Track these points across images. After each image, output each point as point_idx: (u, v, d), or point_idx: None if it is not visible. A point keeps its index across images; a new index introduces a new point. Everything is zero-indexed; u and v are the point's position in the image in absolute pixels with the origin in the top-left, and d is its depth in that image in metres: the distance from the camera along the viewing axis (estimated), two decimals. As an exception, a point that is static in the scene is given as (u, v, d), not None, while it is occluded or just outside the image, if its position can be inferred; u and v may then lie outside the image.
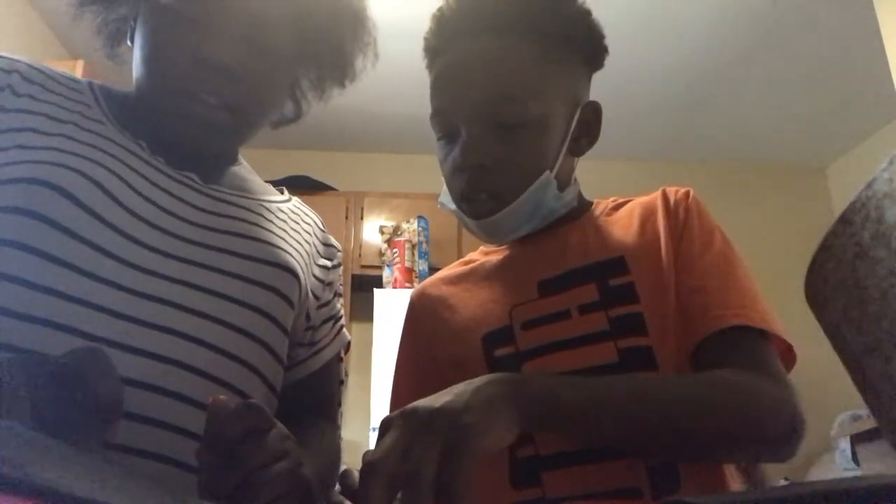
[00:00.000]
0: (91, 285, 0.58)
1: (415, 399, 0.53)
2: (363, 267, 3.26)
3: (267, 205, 0.80)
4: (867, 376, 0.32)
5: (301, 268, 0.76)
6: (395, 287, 3.05)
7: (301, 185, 3.45)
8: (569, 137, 0.74)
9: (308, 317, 0.80)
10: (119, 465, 0.55)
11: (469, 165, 0.70)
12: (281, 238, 0.76)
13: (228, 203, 0.73)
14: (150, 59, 0.68)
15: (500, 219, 0.72)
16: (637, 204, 0.82)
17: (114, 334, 0.58)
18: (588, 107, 0.78)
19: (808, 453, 3.51)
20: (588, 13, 0.75)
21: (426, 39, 0.76)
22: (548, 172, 0.72)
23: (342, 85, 0.85)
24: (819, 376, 3.43)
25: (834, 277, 0.32)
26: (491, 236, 0.76)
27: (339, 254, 0.89)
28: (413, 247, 3.19)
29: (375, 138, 3.73)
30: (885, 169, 0.29)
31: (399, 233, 3.25)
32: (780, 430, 0.62)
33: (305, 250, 0.80)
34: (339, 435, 0.83)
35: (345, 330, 0.88)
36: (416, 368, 0.82)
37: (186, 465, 0.58)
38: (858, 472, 3.08)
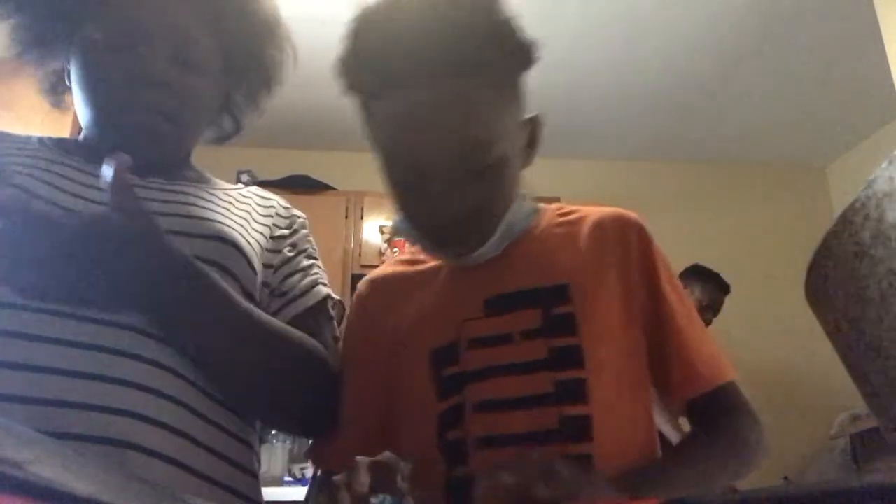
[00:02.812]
0: None
1: (371, 388, 0.71)
2: (363, 266, 3.26)
3: (210, 189, 0.83)
4: (867, 376, 0.32)
5: (246, 239, 0.78)
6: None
7: (301, 185, 3.45)
8: (523, 156, 0.75)
9: (266, 283, 0.81)
10: (119, 465, 0.56)
11: (449, 214, 0.68)
12: (220, 214, 0.78)
13: (165, 190, 0.77)
14: (89, 90, 0.74)
15: (480, 253, 0.73)
16: (588, 221, 0.80)
17: (49, 304, 0.61)
18: (532, 122, 0.76)
19: (808, 453, 3.52)
20: (517, 27, 0.69)
21: (352, 75, 0.71)
22: (518, 199, 0.74)
23: (270, 88, 0.90)
24: (819, 376, 3.44)
25: (834, 277, 0.32)
26: (464, 263, 0.76)
27: (300, 219, 0.90)
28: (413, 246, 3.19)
29: (375, 138, 3.72)
30: (885, 168, 0.29)
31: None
32: (757, 463, 0.75)
33: (257, 226, 0.83)
34: (317, 346, 0.79)
35: (323, 287, 0.85)
36: (365, 359, 0.81)
37: (135, 446, 0.59)
38: (858, 473, 3.09)
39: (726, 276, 3.37)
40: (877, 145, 3.82)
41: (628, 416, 0.72)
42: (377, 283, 0.85)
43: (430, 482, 0.67)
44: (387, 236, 3.27)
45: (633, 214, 0.80)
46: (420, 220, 0.72)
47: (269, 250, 0.83)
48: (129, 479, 0.47)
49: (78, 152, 0.77)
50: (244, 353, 0.69)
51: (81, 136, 0.81)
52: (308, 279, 0.84)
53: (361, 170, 4.04)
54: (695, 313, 0.79)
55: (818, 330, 0.36)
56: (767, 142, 3.95)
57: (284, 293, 0.82)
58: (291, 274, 0.83)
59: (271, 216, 0.87)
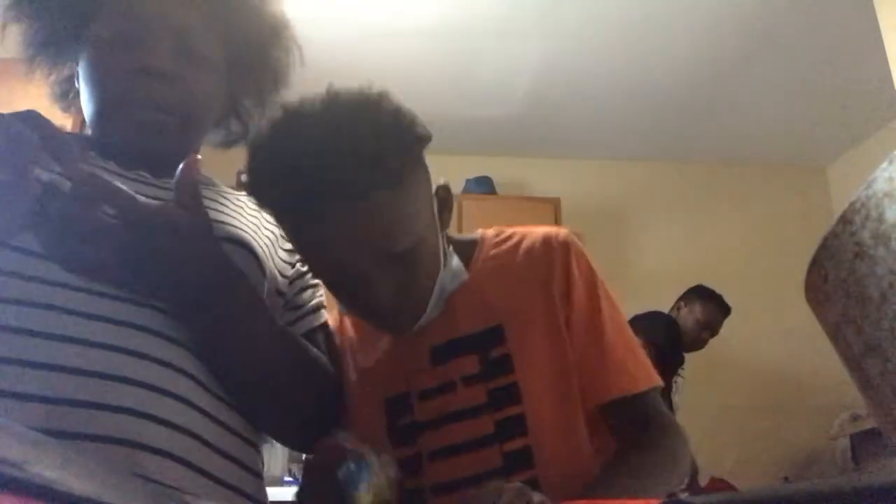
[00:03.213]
0: (37, 263, 0.62)
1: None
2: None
3: (222, 192, 0.84)
4: (867, 376, 0.32)
5: (259, 244, 0.79)
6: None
7: (301, 185, 3.45)
8: (439, 225, 0.78)
9: (280, 293, 0.82)
10: (129, 465, 0.56)
11: (379, 302, 0.72)
12: (233, 218, 0.79)
13: None
14: (94, 85, 0.75)
15: (420, 324, 0.76)
16: (520, 250, 0.83)
17: (72, 304, 0.61)
18: (440, 191, 0.79)
19: (808, 453, 3.52)
20: (404, 117, 0.72)
21: (262, 198, 0.74)
22: (443, 268, 0.77)
23: (277, 91, 0.90)
24: (819, 376, 3.43)
25: (834, 277, 0.32)
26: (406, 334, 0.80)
27: None
28: (413, 247, 3.19)
29: (375, 138, 3.71)
30: (885, 168, 0.29)
31: (399, 233, 3.25)
32: (687, 472, 0.78)
33: (267, 233, 0.84)
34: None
35: (325, 311, 0.89)
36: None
37: (144, 446, 0.59)
38: (858, 472, 3.08)
39: (726, 276, 3.38)
40: (877, 145, 3.82)
41: (566, 438, 0.76)
42: (343, 323, 0.89)
43: None
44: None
45: (559, 233, 0.83)
46: (357, 311, 0.78)
47: (280, 258, 0.84)
48: (128, 479, 0.47)
49: (90, 148, 0.77)
50: (269, 361, 0.71)
51: (87, 133, 0.81)
52: (316, 300, 0.87)
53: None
54: (619, 323, 0.81)
55: (818, 330, 0.36)
56: (767, 142, 3.95)
57: (297, 307, 0.84)
58: (304, 289, 0.86)
59: (275, 223, 0.87)
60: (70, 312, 0.60)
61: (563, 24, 2.93)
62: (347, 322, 0.88)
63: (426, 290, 0.75)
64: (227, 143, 0.93)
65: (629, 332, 0.82)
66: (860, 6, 2.71)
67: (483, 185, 3.68)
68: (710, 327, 3.03)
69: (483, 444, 0.73)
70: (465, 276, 0.80)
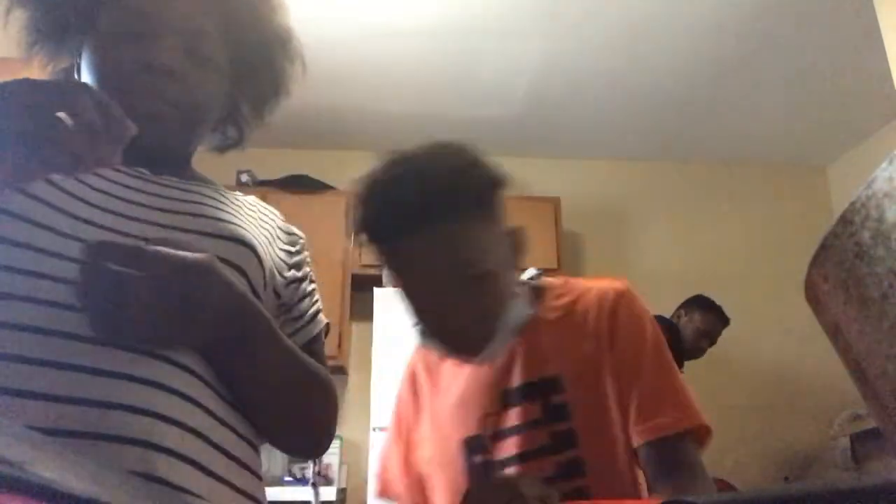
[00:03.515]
0: (46, 259, 0.63)
1: (400, 461, 1.00)
2: (363, 266, 3.26)
3: (221, 191, 0.85)
4: (867, 376, 0.32)
5: (259, 243, 0.79)
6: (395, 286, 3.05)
7: (301, 185, 3.46)
8: (512, 263, 0.91)
9: (277, 294, 0.82)
10: (142, 465, 0.56)
11: (460, 323, 0.85)
12: (232, 215, 0.80)
13: (179, 189, 0.78)
14: (99, 78, 0.76)
15: (486, 355, 0.88)
16: (578, 306, 0.95)
17: (68, 299, 0.61)
18: (516, 234, 0.93)
19: (808, 453, 3.52)
20: (483, 169, 0.89)
21: (371, 228, 0.89)
22: (511, 302, 0.89)
23: (276, 99, 0.92)
24: (819, 376, 3.43)
25: (834, 277, 0.32)
26: (477, 363, 0.92)
27: (302, 241, 0.92)
28: (413, 247, 3.19)
29: (375, 138, 3.72)
30: (885, 168, 0.29)
31: (399, 233, 3.25)
32: None
33: (265, 232, 0.84)
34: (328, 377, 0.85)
35: (322, 316, 0.91)
36: (403, 437, 1.04)
37: (156, 446, 0.59)
38: (858, 472, 3.08)
39: (726, 276, 3.38)
40: (877, 145, 3.82)
41: (616, 478, 0.87)
42: (427, 362, 1.04)
43: None
44: (387, 236, 3.27)
45: (614, 286, 0.95)
46: (433, 331, 0.89)
47: (278, 256, 0.85)
48: (127, 479, 0.48)
49: None
50: (282, 384, 0.74)
51: None
52: (314, 307, 0.89)
53: (361, 170, 4.05)
54: (664, 369, 0.91)
55: (818, 330, 0.36)
56: (767, 142, 3.95)
57: (296, 317, 0.85)
58: (302, 297, 0.87)
59: (273, 226, 0.88)
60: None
61: (563, 24, 2.93)
62: (428, 364, 1.03)
63: (496, 318, 0.87)
64: (223, 148, 0.93)
65: (674, 376, 0.91)
66: (860, 6, 2.71)
67: (483, 185, 3.68)
68: (710, 336, 3.08)
69: (547, 482, 0.81)
70: (529, 314, 0.92)
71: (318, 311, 0.89)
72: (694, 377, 3.04)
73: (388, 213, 0.85)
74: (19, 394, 0.55)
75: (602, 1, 2.78)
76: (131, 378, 0.59)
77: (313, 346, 0.85)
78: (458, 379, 0.97)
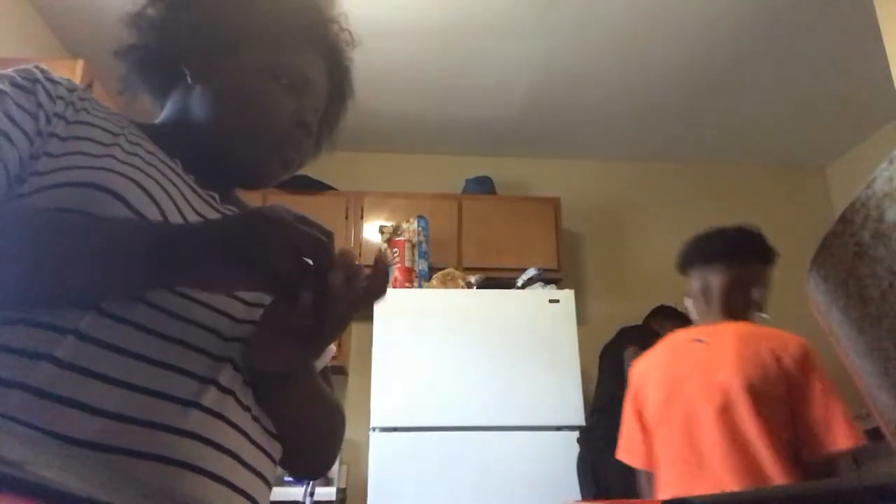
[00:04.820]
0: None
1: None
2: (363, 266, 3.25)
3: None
4: (867, 376, 0.32)
5: None
6: (394, 287, 3.05)
7: (301, 185, 3.46)
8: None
9: None
10: (178, 485, 0.56)
11: None
12: None
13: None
14: (251, 110, 0.78)
15: None
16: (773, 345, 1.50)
17: (146, 321, 0.63)
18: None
19: (808, 453, 3.52)
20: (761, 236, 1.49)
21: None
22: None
23: (331, 144, 1.00)
24: (819, 376, 3.41)
25: (834, 277, 0.32)
26: None
27: None
28: (413, 246, 3.19)
29: (375, 138, 3.73)
30: (885, 168, 0.29)
31: (399, 232, 3.25)
32: None
33: None
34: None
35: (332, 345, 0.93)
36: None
37: (194, 467, 0.60)
38: (858, 472, 3.08)
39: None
40: (877, 145, 3.82)
41: None
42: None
43: None
44: (387, 236, 3.28)
45: (797, 343, 1.50)
46: None
47: None
48: (126, 479, 0.47)
49: (172, 151, 0.77)
50: (314, 416, 0.78)
51: (204, 129, 0.79)
52: None
53: (361, 170, 4.06)
54: (825, 395, 1.43)
55: (818, 330, 0.36)
56: (767, 142, 3.95)
57: None
58: None
59: None
60: (146, 330, 0.61)
61: (563, 24, 2.93)
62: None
63: None
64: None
65: (834, 401, 1.29)
66: (860, 6, 2.71)
67: (483, 185, 3.68)
68: None
69: None
70: None
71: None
72: (694, 377, 3.07)
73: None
74: (68, 403, 0.55)
75: (602, 2, 2.78)
76: (178, 400, 0.60)
77: (324, 373, 0.86)
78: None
